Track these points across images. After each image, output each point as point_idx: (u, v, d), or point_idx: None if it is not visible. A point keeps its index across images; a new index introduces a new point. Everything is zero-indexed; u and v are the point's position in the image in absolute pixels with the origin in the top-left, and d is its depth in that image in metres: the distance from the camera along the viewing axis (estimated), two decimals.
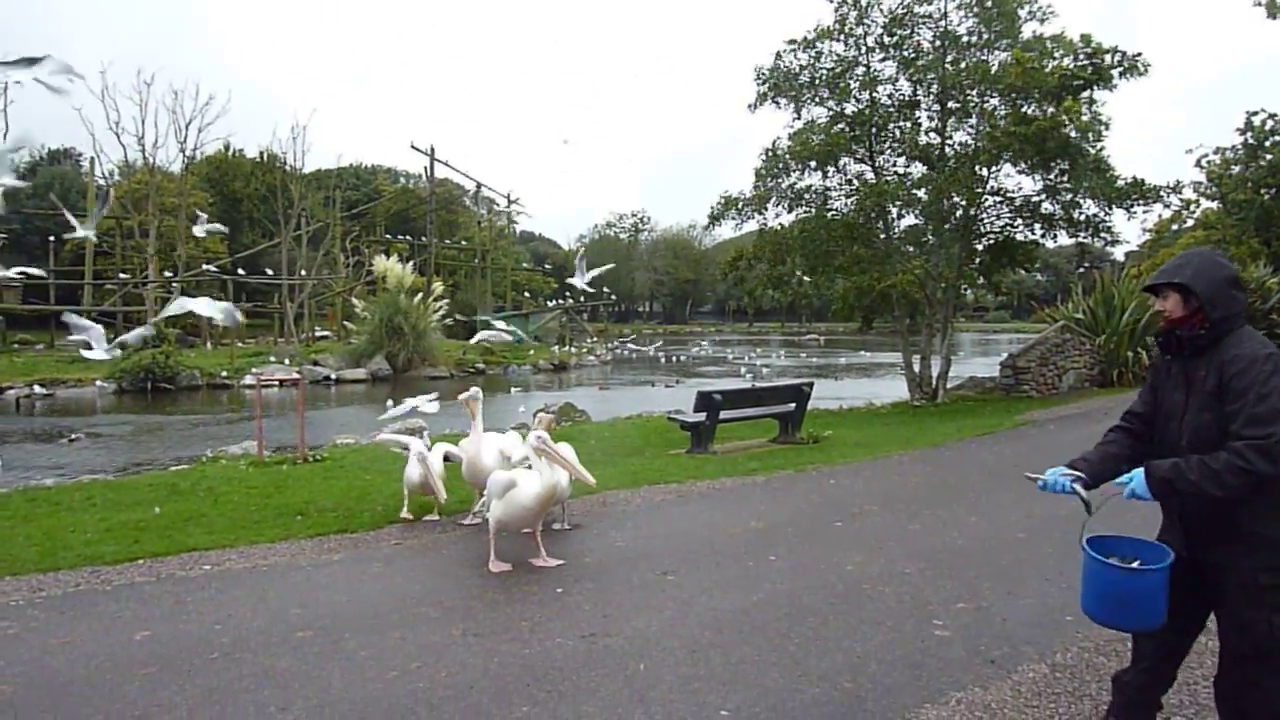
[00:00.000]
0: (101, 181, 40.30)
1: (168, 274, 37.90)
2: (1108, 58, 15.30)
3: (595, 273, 15.07)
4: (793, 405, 12.30)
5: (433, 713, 3.83)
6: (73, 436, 16.75)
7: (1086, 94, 15.52)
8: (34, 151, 60.85)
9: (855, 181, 17.13)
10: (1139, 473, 3.06)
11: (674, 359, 42.50)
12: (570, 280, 13.83)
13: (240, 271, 41.52)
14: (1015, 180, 17.03)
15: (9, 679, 4.24)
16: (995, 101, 16.22)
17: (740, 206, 17.03)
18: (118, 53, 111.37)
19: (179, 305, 8.52)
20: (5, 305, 38.57)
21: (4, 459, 13.38)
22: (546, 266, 77.00)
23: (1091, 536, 3.18)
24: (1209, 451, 2.97)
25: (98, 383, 25.80)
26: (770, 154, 17.01)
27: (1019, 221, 17.33)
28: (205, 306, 8.45)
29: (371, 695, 4.01)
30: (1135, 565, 3.11)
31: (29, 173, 58.96)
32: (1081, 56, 15.27)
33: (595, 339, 49.54)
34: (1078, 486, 3.22)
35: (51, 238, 42.82)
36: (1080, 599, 3.24)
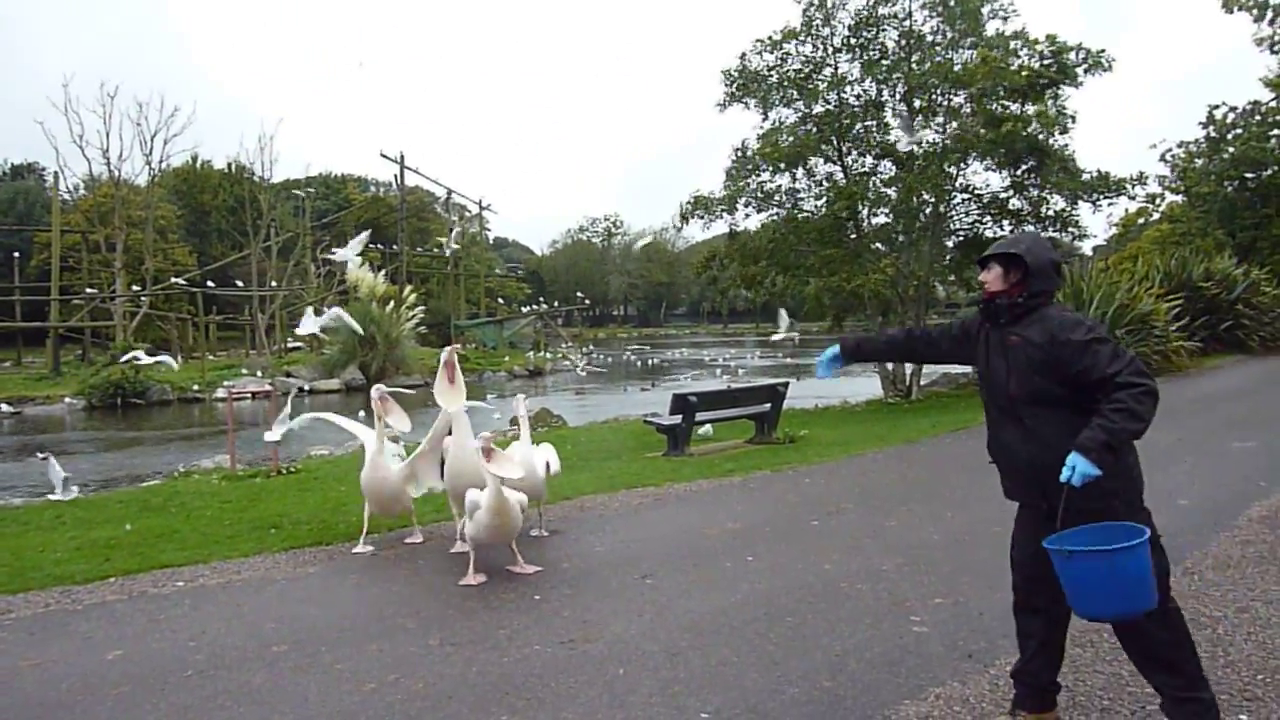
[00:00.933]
0: (66, 196, 39.80)
1: (135, 288, 37.45)
2: (1072, 55, 15.52)
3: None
4: (768, 405, 12.33)
5: None
6: (41, 455, 16.47)
7: (1051, 91, 15.72)
8: None
9: (825, 182, 17.22)
10: (1075, 458, 3.12)
11: (649, 361, 42.49)
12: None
13: (210, 284, 41.09)
14: (983, 177, 17.22)
15: None
16: (960, 99, 16.38)
17: (710, 206, 17.04)
18: (82, 62, 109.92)
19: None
20: None
21: None
22: (520, 272, 76.82)
23: (1048, 540, 3.18)
24: (1048, 404, 3.30)
25: (66, 399, 25.43)
26: (740, 154, 17.07)
27: (987, 218, 17.50)
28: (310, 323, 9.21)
29: (349, 709, 3.97)
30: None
31: None
32: (1047, 55, 15.45)
33: (570, 344, 49.44)
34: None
35: (16, 253, 42.23)
36: (1072, 605, 3.18)
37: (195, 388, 27.55)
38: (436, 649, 4.67)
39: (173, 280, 39.39)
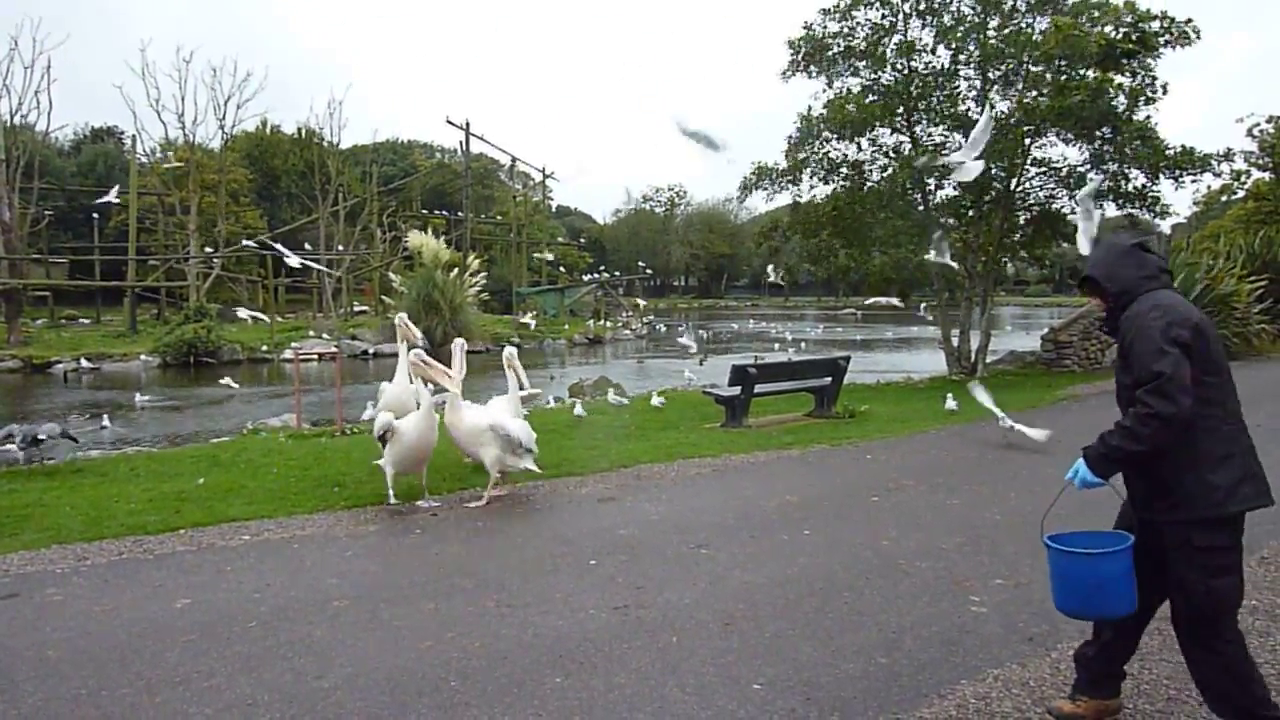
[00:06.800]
0: (144, 159, 40.88)
1: (208, 249, 38.37)
2: (1154, 24, 14.85)
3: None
4: (829, 379, 12.19)
5: (466, 682, 3.85)
6: (109, 414, 17.04)
7: (1133, 62, 15.07)
8: (78, 130, 61.88)
9: (893, 153, 16.81)
10: (1079, 463, 3.15)
11: (709, 333, 42.30)
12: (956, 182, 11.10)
13: (279, 247, 41.85)
14: (1059, 150, 16.63)
15: (54, 644, 4.33)
16: (1039, 69, 15.82)
17: (774, 177, 16.74)
18: (162, 27, 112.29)
19: None
20: (54, 281, 39.33)
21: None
22: (582, 240, 76.93)
23: (1051, 535, 3.25)
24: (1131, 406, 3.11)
25: (142, 357, 26.28)
26: (804, 121, 16.70)
27: (1063, 192, 16.95)
28: None
29: (406, 665, 4.04)
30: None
31: (74, 150, 59.98)
32: (1126, 24, 14.79)
33: (631, 313, 49.44)
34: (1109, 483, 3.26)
35: (95, 215, 43.54)
36: (1053, 598, 3.28)
37: (264, 348, 28.23)
38: (492, 610, 4.72)
39: (243, 243, 40.27)
